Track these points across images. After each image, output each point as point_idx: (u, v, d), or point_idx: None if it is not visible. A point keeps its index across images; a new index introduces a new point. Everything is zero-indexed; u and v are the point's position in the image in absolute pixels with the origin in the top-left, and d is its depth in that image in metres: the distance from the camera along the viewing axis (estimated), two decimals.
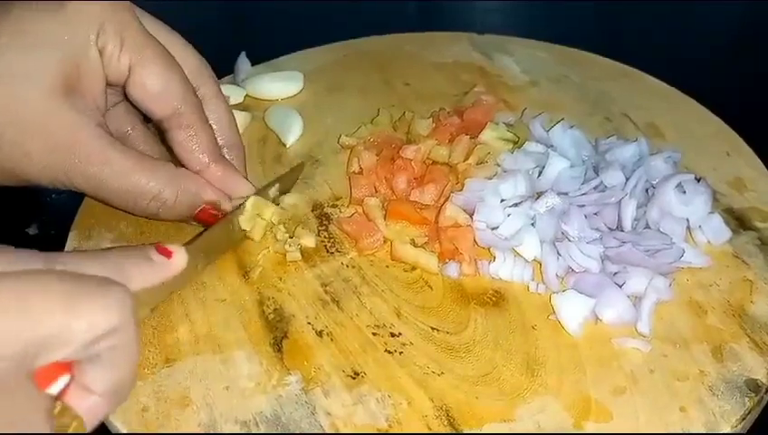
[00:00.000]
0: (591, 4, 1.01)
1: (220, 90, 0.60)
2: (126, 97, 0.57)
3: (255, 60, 0.79)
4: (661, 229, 0.56)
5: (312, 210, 0.63)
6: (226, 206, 0.58)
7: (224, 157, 0.59)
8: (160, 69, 0.54)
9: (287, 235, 0.59)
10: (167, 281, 0.47)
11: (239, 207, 0.57)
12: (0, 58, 0.49)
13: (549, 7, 1.00)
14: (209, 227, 0.56)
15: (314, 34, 0.86)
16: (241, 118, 0.71)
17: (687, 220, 0.57)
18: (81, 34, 0.51)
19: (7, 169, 0.52)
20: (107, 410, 0.39)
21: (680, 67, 0.81)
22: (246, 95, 0.76)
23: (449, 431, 0.47)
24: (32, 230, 0.71)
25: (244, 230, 0.58)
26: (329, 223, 0.61)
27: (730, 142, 0.68)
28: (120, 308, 0.37)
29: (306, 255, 0.59)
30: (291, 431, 0.47)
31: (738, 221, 0.60)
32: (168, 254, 0.46)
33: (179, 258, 0.47)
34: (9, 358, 0.34)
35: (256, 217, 0.58)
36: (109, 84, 0.54)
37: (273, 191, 0.61)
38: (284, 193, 0.62)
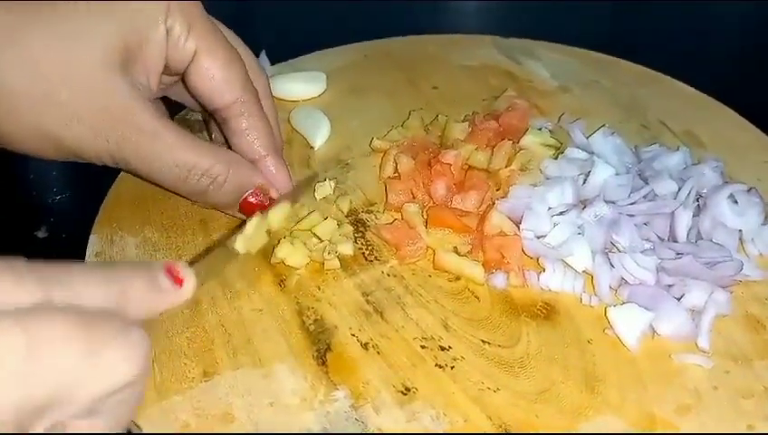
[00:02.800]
0: (595, 5, 1.00)
1: (270, 87, 0.60)
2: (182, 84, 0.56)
3: (272, 60, 0.77)
4: (713, 240, 0.54)
5: (347, 216, 0.60)
6: (274, 194, 0.56)
7: (279, 151, 0.58)
8: (226, 57, 0.54)
9: (321, 243, 0.56)
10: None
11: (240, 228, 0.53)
12: (67, 20, 0.49)
13: (553, 8, 0.99)
14: (210, 249, 0.52)
15: (326, 35, 0.84)
16: None
17: (740, 232, 0.55)
18: (151, 11, 0.51)
19: (55, 134, 0.50)
20: None
21: (691, 68, 0.80)
22: None
23: None
24: (41, 233, 0.68)
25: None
26: (365, 229, 0.59)
27: None
28: (141, 359, 0.32)
29: (344, 263, 0.56)
30: None
31: None
32: (178, 281, 0.39)
33: (189, 286, 0.39)
34: (11, 411, 0.28)
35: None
36: (166, 68, 0.53)
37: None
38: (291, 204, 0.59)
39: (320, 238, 0.57)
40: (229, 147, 0.57)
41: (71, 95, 0.49)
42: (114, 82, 0.49)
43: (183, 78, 0.55)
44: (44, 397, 0.29)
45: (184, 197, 0.56)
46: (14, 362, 0.27)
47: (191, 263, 0.42)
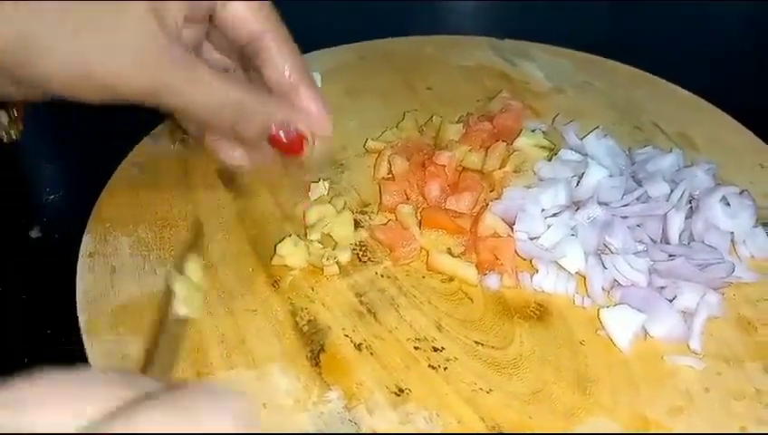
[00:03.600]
0: (591, 6, 1.00)
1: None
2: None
3: None
4: (705, 242, 0.54)
5: None
6: (302, 127, 0.55)
7: (314, 82, 0.57)
8: None
9: (323, 249, 0.56)
10: None
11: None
12: None
13: (548, 10, 0.99)
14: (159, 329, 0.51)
15: (320, 35, 0.84)
16: None
17: (732, 234, 0.55)
18: None
19: (96, 66, 0.49)
20: None
21: (685, 70, 0.80)
22: None
23: None
24: (34, 233, 0.67)
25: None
26: (359, 230, 0.59)
27: (762, 154, 0.67)
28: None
29: (338, 264, 0.56)
30: None
31: None
32: None
33: None
34: None
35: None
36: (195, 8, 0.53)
37: None
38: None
39: (322, 244, 0.57)
40: None
41: (105, 28, 0.48)
42: (146, 19, 0.49)
43: (212, 17, 0.54)
44: None
45: (216, 130, 0.56)
46: None
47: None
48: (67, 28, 0.48)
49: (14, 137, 0.66)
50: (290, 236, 0.56)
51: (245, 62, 0.58)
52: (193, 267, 0.53)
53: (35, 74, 0.49)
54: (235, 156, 0.58)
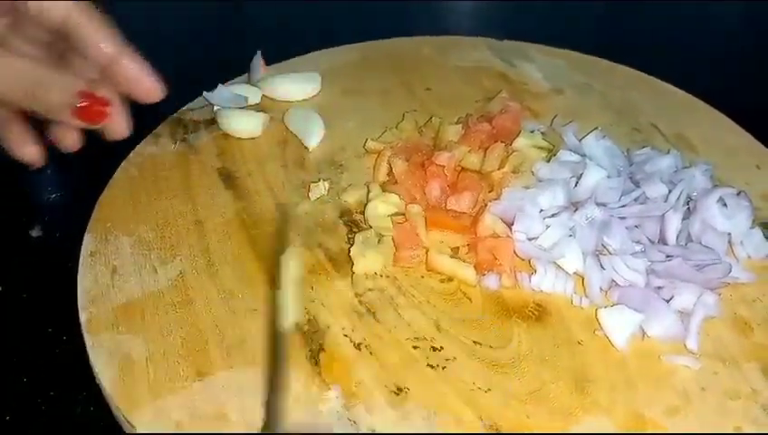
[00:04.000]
0: (589, 7, 1.00)
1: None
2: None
3: (267, 61, 0.77)
4: (703, 243, 0.55)
5: (340, 217, 0.60)
6: (103, 92, 0.54)
7: (134, 52, 0.56)
8: None
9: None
10: None
11: None
12: None
13: (547, 11, 0.99)
14: None
15: (321, 36, 0.85)
16: (260, 119, 0.68)
17: (729, 235, 0.55)
18: None
19: None
20: None
21: (684, 71, 0.80)
22: (263, 96, 0.73)
23: None
24: (35, 232, 0.68)
25: None
26: (358, 230, 0.59)
27: (759, 155, 0.67)
28: None
29: (337, 264, 0.56)
30: None
31: None
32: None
33: None
34: None
35: None
36: None
37: None
38: None
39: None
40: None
41: None
42: None
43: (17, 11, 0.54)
44: None
45: (12, 107, 0.55)
46: None
47: None
48: None
49: None
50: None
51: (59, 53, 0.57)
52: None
53: None
54: (27, 151, 0.58)
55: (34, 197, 0.72)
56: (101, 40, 0.55)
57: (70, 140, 0.58)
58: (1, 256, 0.65)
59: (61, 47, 0.57)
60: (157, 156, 0.66)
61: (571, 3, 0.99)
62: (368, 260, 0.56)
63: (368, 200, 0.60)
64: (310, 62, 0.78)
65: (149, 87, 0.56)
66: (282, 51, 0.79)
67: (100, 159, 0.67)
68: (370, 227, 0.58)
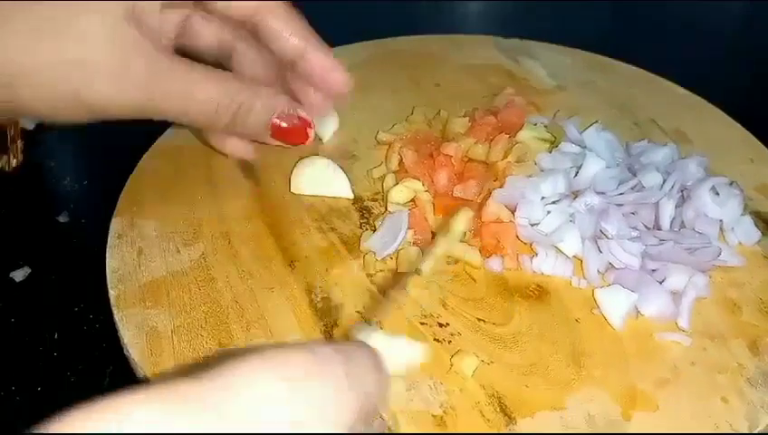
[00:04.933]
0: (591, 6, 1.03)
1: None
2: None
3: None
4: (696, 229, 0.58)
5: (353, 203, 0.64)
6: (303, 113, 0.56)
7: (321, 43, 0.56)
8: None
9: None
10: None
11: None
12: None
13: (552, 10, 1.02)
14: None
15: (334, 34, 0.88)
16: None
17: (721, 221, 0.59)
18: None
19: (83, 96, 0.48)
20: None
21: (685, 69, 0.83)
22: None
23: (502, 418, 0.48)
24: (62, 218, 0.71)
25: None
26: (369, 216, 0.63)
27: (753, 149, 0.70)
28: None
29: (350, 245, 0.60)
30: None
31: (765, 224, 0.62)
32: None
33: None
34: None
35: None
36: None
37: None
38: None
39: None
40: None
41: (87, 53, 0.48)
42: (125, 29, 0.48)
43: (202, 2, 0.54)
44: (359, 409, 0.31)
45: (220, 131, 0.57)
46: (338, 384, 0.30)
47: None
48: (44, 51, 0.47)
49: (13, 165, 0.66)
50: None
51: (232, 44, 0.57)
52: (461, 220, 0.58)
53: (21, 99, 0.48)
54: (240, 148, 0.60)
55: (61, 185, 0.76)
56: (290, 32, 0.54)
57: (246, 151, 0.59)
58: (30, 240, 0.69)
59: (228, 46, 0.56)
60: (179, 145, 0.70)
61: (575, 3, 1.02)
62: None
63: (383, 188, 0.63)
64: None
65: (338, 80, 0.57)
66: None
67: (123, 149, 0.71)
68: (383, 213, 0.62)
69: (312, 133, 0.58)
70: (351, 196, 0.63)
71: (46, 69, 0.48)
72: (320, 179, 0.64)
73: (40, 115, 0.52)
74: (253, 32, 0.56)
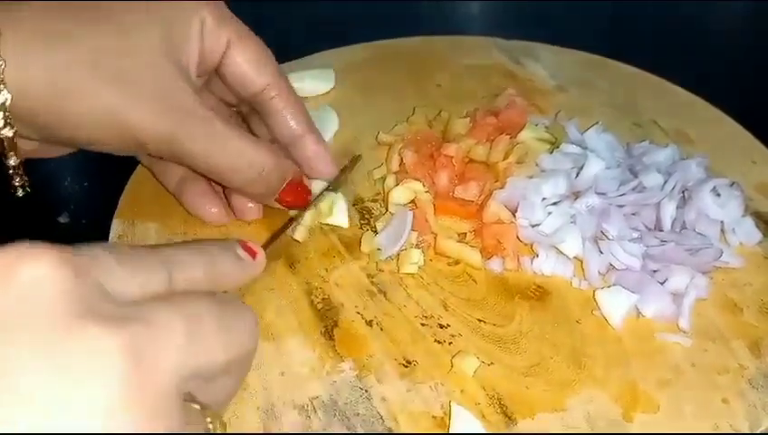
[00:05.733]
0: (592, 6, 1.03)
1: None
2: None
3: (283, 58, 0.80)
4: (697, 230, 0.58)
5: (354, 205, 0.64)
6: (311, 185, 0.60)
7: (317, 130, 0.61)
8: (257, 42, 0.58)
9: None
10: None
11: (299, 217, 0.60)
12: (117, 17, 0.52)
13: (553, 10, 1.02)
14: (274, 237, 0.57)
15: (335, 34, 0.88)
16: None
17: (722, 222, 0.59)
18: (187, 6, 0.55)
19: (120, 115, 0.51)
20: None
21: (686, 70, 0.83)
22: None
23: (503, 419, 0.48)
24: (62, 219, 0.72)
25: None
26: (370, 217, 0.63)
27: (754, 150, 0.70)
28: (255, 334, 0.38)
29: (350, 247, 0.60)
30: (347, 416, 0.48)
31: (767, 225, 0.62)
32: (252, 253, 0.45)
33: (261, 259, 0.46)
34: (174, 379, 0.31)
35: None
36: (200, 64, 0.56)
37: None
38: (335, 190, 0.63)
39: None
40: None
41: (135, 77, 0.51)
42: (170, 69, 0.52)
43: (217, 71, 0.57)
44: (197, 367, 0.32)
45: (232, 188, 0.59)
46: (177, 341, 0.31)
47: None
48: (99, 79, 0.50)
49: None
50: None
51: (244, 112, 0.62)
52: (327, 202, 0.61)
53: (64, 122, 0.51)
54: (214, 212, 0.61)
55: (62, 186, 0.76)
56: (292, 117, 0.59)
57: (254, 213, 0.61)
58: (31, 239, 0.69)
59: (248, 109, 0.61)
60: None
61: (576, 3, 1.01)
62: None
63: (384, 189, 0.63)
64: (325, 59, 0.81)
65: (326, 169, 0.60)
66: (296, 49, 0.82)
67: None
68: (383, 214, 0.62)
69: (310, 198, 0.61)
70: (347, 225, 0.62)
71: (95, 93, 0.50)
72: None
73: (76, 137, 0.53)
74: (256, 107, 0.60)
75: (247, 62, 0.57)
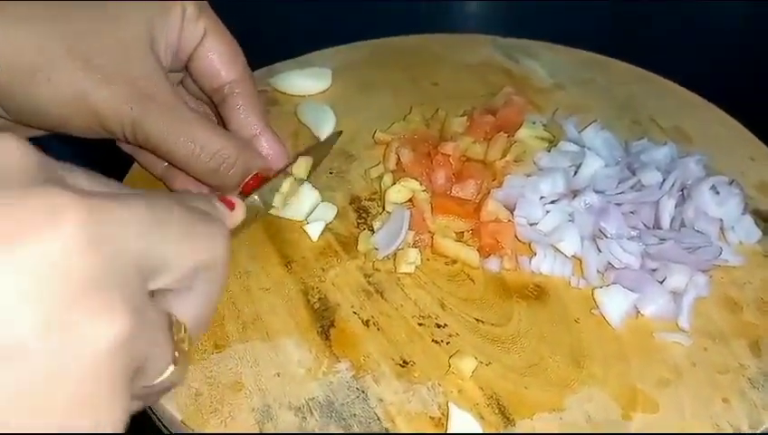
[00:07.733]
0: (590, 5, 1.03)
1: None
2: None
3: (280, 57, 0.80)
4: (696, 228, 0.57)
5: (350, 203, 0.63)
6: (265, 170, 0.60)
7: (272, 128, 0.61)
8: (230, 38, 0.59)
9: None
10: None
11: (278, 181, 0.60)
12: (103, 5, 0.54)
13: (552, 9, 1.02)
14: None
15: (332, 33, 0.87)
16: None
17: (721, 220, 0.58)
18: None
19: (86, 95, 0.52)
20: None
21: (680, 67, 0.83)
22: (275, 90, 0.76)
23: (501, 419, 0.48)
24: None
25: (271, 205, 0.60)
26: (367, 216, 0.62)
27: (753, 148, 0.69)
28: (224, 242, 0.38)
29: (347, 246, 0.59)
30: (344, 417, 0.48)
31: (766, 223, 0.61)
32: (230, 205, 0.46)
33: (239, 211, 0.47)
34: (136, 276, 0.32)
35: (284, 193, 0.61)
36: (175, 55, 0.57)
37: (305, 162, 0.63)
38: (315, 166, 0.63)
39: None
40: None
41: (107, 61, 0.52)
42: (145, 55, 0.53)
43: (188, 62, 0.58)
44: (161, 260, 0.33)
45: (193, 176, 0.58)
46: (140, 226, 0.32)
47: None
48: (74, 64, 0.51)
49: None
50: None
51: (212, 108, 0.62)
52: (302, 165, 0.61)
53: (35, 104, 0.52)
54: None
55: None
56: (252, 116, 0.59)
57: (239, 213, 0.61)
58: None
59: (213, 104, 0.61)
60: None
61: (575, 2, 1.01)
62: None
63: (381, 187, 0.63)
64: (322, 58, 0.81)
65: (279, 160, 0.61)
66: (294, 48, 0.82)
67: (120, 149, 0.70)
68: (380, 213, 0.61)
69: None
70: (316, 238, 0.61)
71: (68, 77, 0.51)
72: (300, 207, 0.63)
73: (45, 119, 0.54)
74: (217, 102, 0.60)
75: (219, 54, 0.58)
